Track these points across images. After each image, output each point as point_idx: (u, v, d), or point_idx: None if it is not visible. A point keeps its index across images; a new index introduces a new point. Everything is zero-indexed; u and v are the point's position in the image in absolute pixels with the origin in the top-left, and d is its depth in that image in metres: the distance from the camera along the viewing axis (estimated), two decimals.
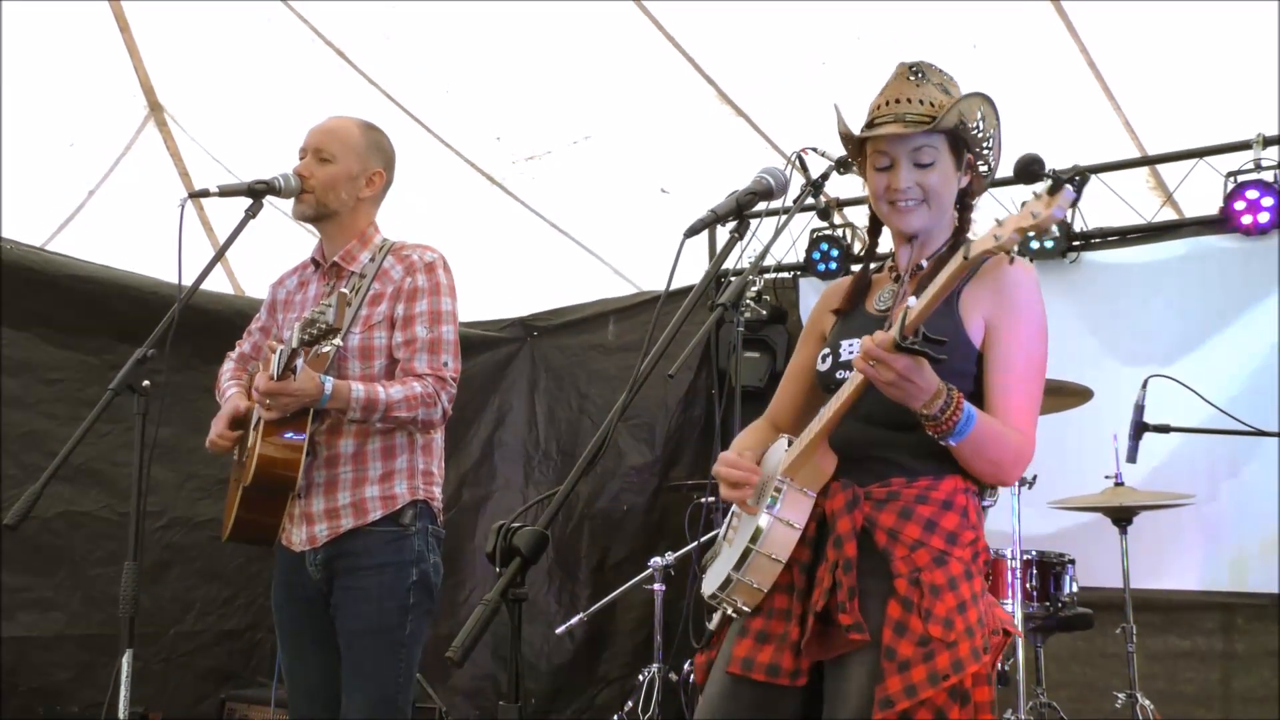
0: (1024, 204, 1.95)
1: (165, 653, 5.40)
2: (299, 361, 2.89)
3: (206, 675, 5.56)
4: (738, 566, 2.26)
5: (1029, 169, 2.13)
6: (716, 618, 2.34)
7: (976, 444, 2.20)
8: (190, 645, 5.49)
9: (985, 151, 2.41)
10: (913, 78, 2.38)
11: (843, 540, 2.22)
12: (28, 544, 4.93)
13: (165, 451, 5.24)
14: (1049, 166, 2.07)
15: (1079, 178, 1.99)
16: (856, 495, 2.26)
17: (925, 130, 2.33)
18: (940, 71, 2.42)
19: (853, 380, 2.19)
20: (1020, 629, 4.32)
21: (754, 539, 2.24)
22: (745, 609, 2.29)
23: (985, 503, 4.54)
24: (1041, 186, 1.93)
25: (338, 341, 2.91)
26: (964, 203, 2.44)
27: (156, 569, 5.35)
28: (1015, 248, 1.96)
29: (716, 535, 2.54)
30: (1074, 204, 2.00)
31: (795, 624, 2.25)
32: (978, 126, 2.37)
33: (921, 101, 2.35)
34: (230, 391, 3.28)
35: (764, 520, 2.25)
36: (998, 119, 2.40)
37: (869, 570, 2.22)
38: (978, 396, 2.29)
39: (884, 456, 2.30)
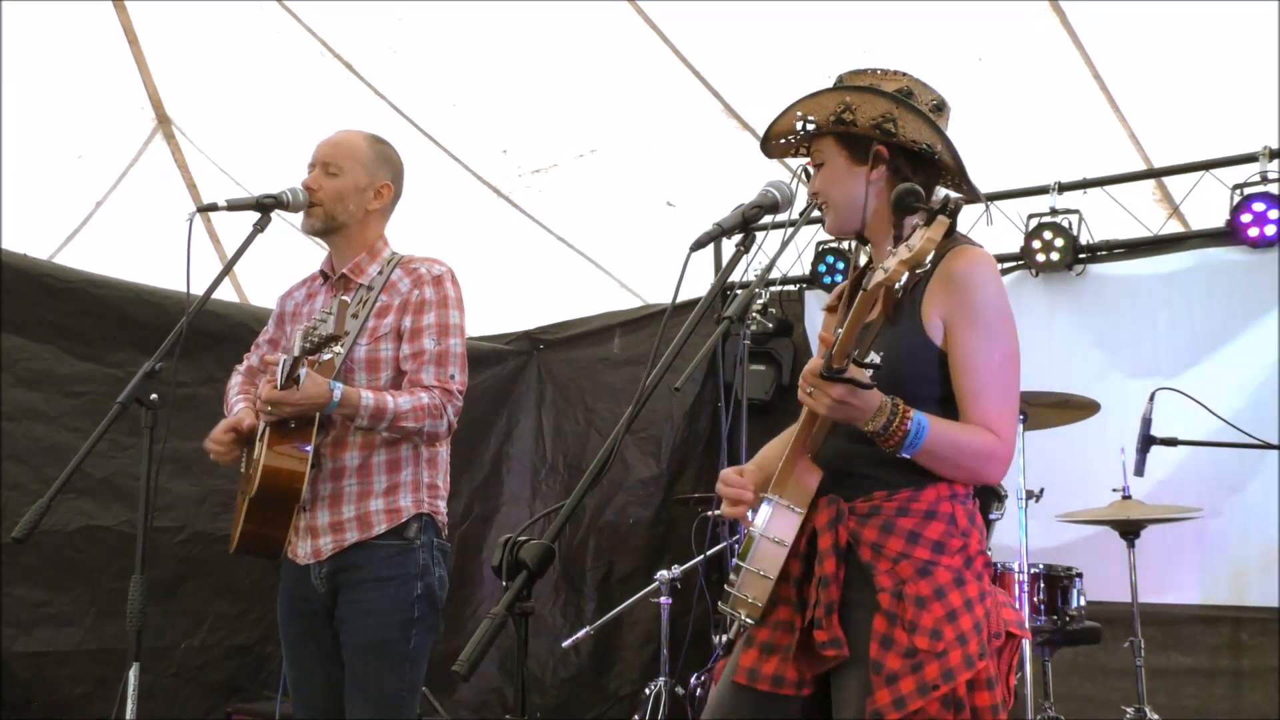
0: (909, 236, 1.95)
1: (175, 667, 5.36)
2: (301, 370, 2.89)
3: (216, 689, 5.51)
4: (733, 581, 2.30)
5: (902, 201, 2.07)
6: (734, 628, 2.38)
7: (934, 453, 2.20)
8: (200, 660, 5.44)
9: (905, 128, 2.33)
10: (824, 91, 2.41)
11: (823, 557, 2.25)
12: (49, 559, 4.89)
13: (187, 466, 5.18)
14: (947, 195, 2.06)
15: (951, 206, 1.92)
16: (840, 511, 2.28)
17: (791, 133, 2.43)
18: (869, 73, 2.41)
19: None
20: (1028, 632, 4.29)
21: (743, 555, 2.29)
22: (750, 620, 2.31)
23: (992, 516, 4.56)
24: (919, 218, 1.94)
25: (339, 349, 2.91)
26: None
27: (172, 583, 5.29)
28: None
29: (722, 549, 2.56)
30: (950, 217, 1.90)
31: (795, 636, 2.29)
32: (879, 124, 2.33)
33: (822, 109, 2.39)
34: (238, 408, 3.25)
35: (753, 537, 2.29)
36: (939, 107, 2.38)
37: (856, 584, 2.25)
38: (949, 399, 2.28)
39: (866, 471, 2.31)
